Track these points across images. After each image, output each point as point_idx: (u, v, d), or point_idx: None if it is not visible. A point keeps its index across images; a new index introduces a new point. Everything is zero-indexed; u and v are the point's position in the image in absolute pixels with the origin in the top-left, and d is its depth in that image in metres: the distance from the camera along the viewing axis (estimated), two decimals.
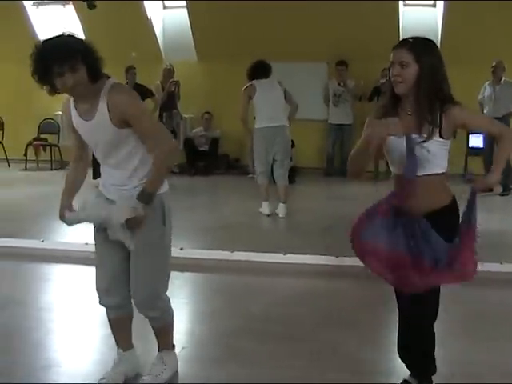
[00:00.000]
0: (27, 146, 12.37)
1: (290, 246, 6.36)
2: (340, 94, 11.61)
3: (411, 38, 3.11)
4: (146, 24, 11.84)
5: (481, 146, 10.47)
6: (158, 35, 12.15)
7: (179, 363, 3.76)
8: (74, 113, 3.28)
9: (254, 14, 10.91)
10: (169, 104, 11.07)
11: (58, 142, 12.61)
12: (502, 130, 3.15)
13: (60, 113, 12.83)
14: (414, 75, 3.00)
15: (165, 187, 3.40)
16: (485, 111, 10.12)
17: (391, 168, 3.24)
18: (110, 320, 3.63)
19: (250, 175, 11.25)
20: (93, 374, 3.70)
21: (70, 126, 3.38)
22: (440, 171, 3.10)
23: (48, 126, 12.77)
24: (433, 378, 3.40)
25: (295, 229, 7.73)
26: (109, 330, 3.86)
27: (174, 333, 3.76)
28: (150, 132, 3.20)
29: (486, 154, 9.77)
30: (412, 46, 3.03)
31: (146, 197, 3.20)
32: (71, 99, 3.28)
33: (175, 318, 3.71)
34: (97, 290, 3.51)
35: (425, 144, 3.00)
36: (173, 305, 3.64)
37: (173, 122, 11.09)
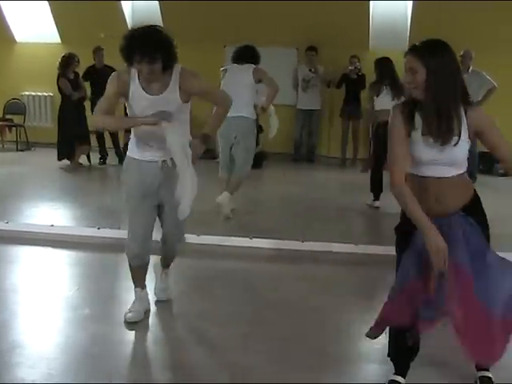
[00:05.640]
0: None
1: (256, 231, 6.39)
2: (309, 80, 11.64)
3: (420, 42, 3.06)
4: (115, 5, 11.71)
5: None
6: (126, 16, 12.02)
7: (143, 345, 3.77)
8: (136, 85, 3.84)
9: None
10: None
11: (24, 122, 12.45)
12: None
13: (26, 93, 12.74)
14: (423, 80, 2.96)
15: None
16: None
17: (413, 170, 3.10)
18: (132, 267, 4.21)
19: (217, 160, 11.22)
20: (57, 357, 3.70)
21: (115, 94, 3.87)
22: (465, 169, 3.10)
23: (14, 107, 12.59)
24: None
25: (262, 213, 7.76)
26: (73, 313, 3.85)
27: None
28: (218, 96, 4.29)
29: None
30: (418, 50, 3.00)
31: (206, 138, 4.09)
32: (136, 74, 3.81)
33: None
34: (131, 242, 4.06)
35: (455, 146, 2.97)
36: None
37: None
